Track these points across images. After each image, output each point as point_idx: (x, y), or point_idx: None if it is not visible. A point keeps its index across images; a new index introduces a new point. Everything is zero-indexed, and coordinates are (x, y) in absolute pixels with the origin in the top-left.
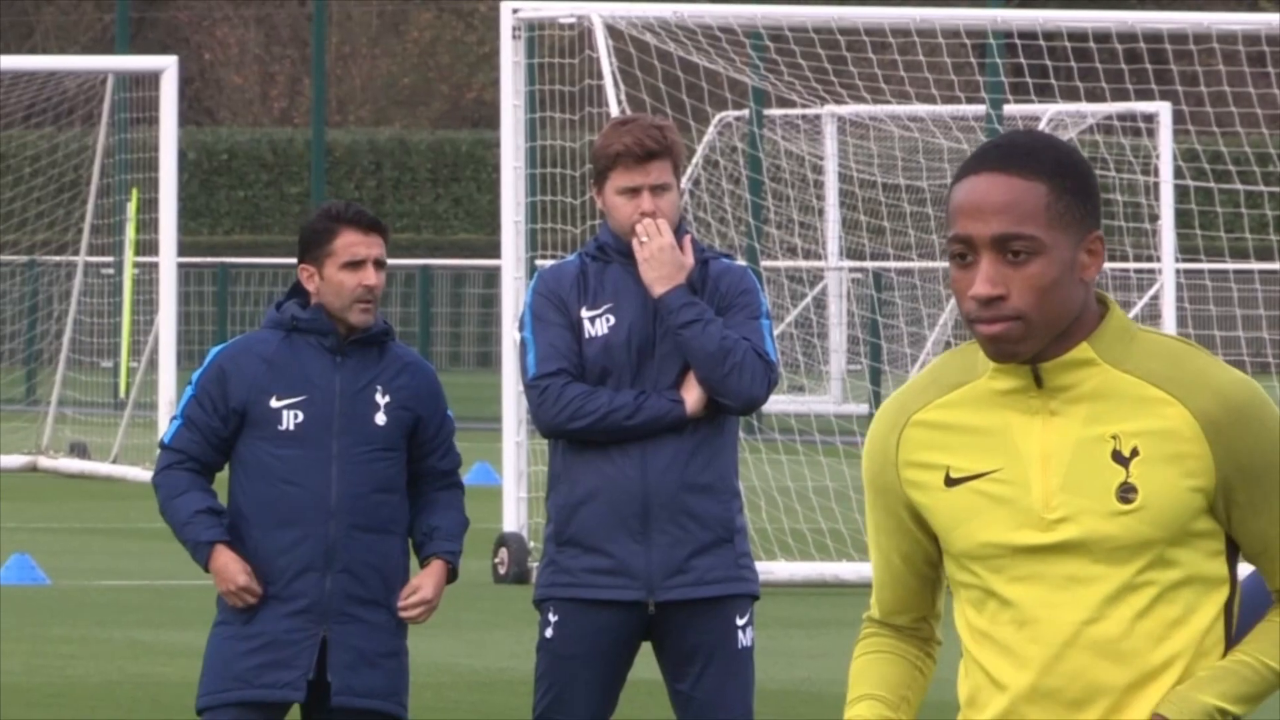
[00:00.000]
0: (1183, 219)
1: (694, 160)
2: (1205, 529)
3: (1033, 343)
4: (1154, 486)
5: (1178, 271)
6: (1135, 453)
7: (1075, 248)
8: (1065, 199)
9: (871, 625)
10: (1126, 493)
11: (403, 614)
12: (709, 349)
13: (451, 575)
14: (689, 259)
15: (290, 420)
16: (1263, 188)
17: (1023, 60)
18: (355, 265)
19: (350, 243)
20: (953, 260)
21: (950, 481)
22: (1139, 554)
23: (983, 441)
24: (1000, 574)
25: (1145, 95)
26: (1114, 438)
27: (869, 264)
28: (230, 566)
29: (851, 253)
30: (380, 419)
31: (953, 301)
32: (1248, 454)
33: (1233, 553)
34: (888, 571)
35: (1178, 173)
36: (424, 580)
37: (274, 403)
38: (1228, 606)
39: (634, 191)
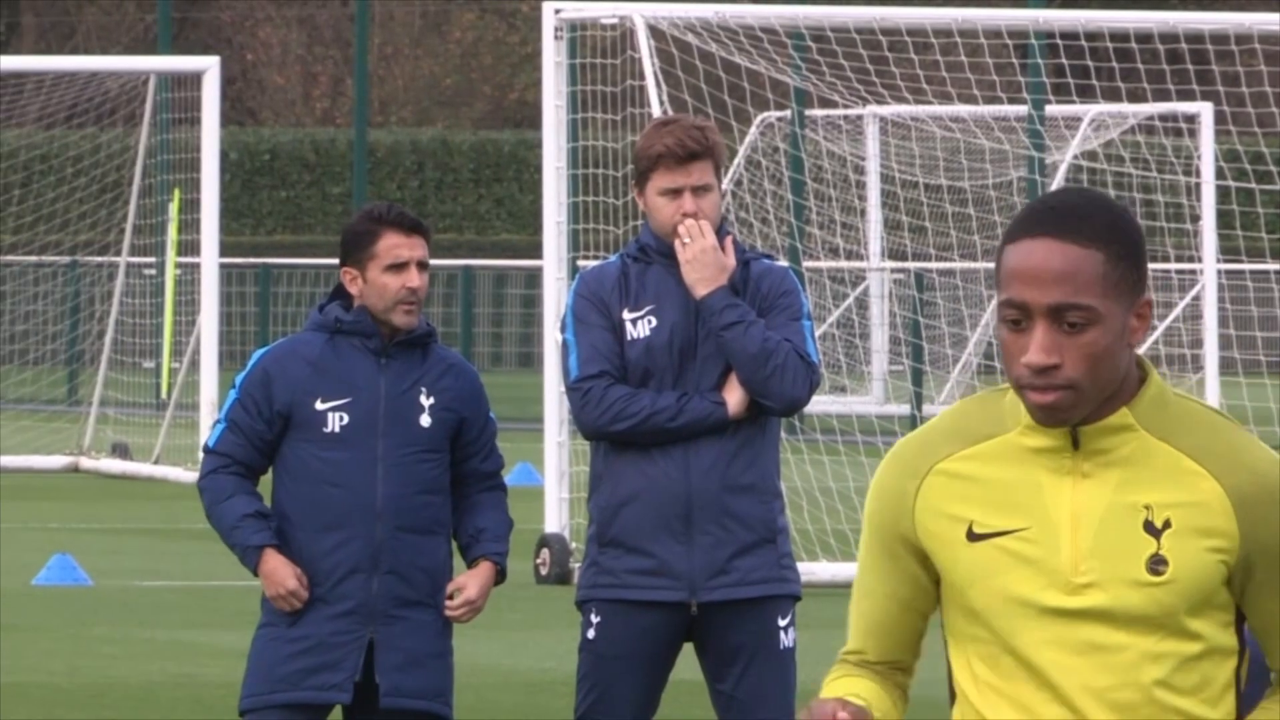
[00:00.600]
0: (1224, 219)
1: (736, 161)
2: (1222, 601)
3: (1082, 409)
4: (1184, 560)
5: (1219, 272)
6: (1168, 524)
7: (1127, 313)
8: (1121, 266)
9: (849, 666)
10: (1157, 565)
11: (448, 614)
12: (751, 351)
13: (500, 576)
14: (731, 260)
15: (335, 422)
16: None
17: (1065, 60)
18: (398, 267)
19: (393, 245)
20: (1004, 323)
21: (973, 536)
22: (1162, 624)
23: (1010, 498)
24: (1020, 635)
25: (1187, 95)
26: (1147, 508)
27: (911, 265)
28: (280, 570)
29: (893, 253)
30: (425, 420)
31: (994, 303)
32: (1273, 534)
33: (1240, 621)
34: (884, 616)
35: (1219, 173)
36: (469, 580)
37: (319, 405)
38: (1236, 673)
39: (675, 192)
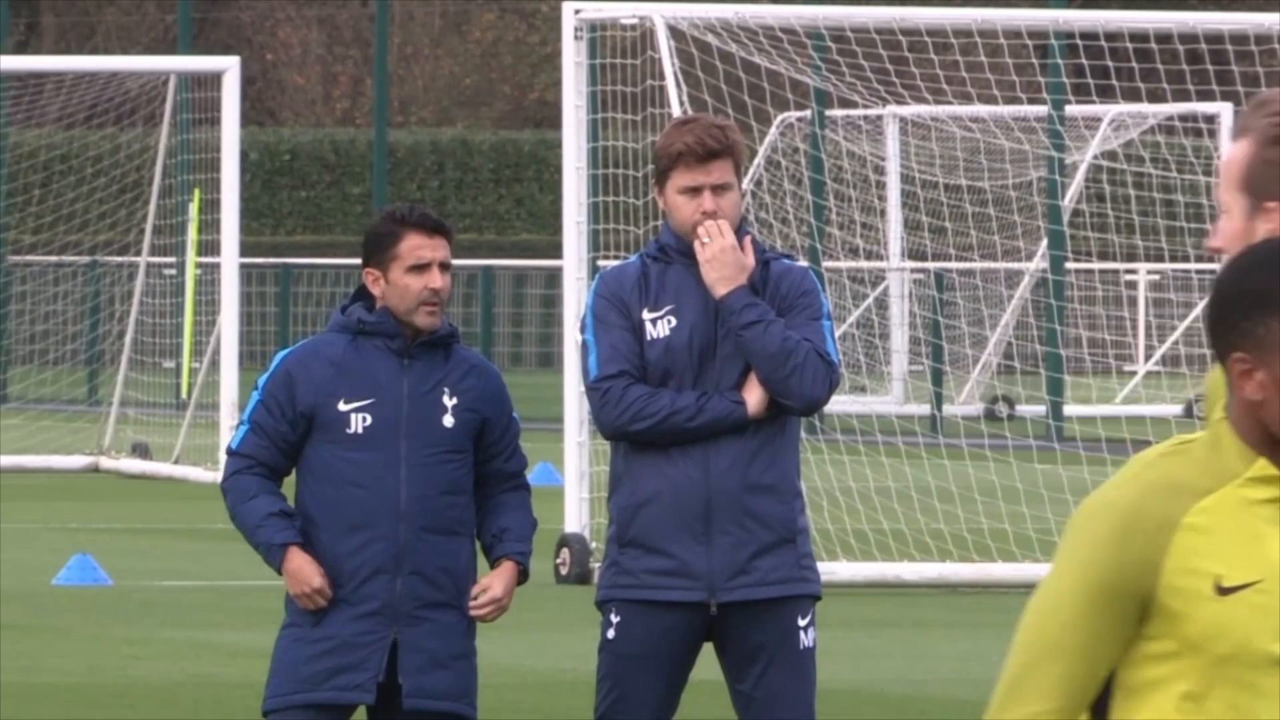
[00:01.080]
0: None
1: (756, 161)
2: None
3: None
4: None
5: None
6: None
7: None
8: None
9: None
10: None
11: (473, 613)
12: (770, 350)
13: (522, 576)
14: (750, 260)
15: (358, 423)
16: None
17: (1084, 61)
18: (420, 268)
19: (415, 246)
20: None
21: (1222, 590)
22: None
23: (1246, 550)
24: (1253, 686)
25: (1207, 96)
26: None
27: (931, 265)
28: (305, 569)
29: (913, 253)
30: (448, 421)
31: (1014, 303)
32: None
33: None
34: (1093, 678)
35: None
36: (494, 580)
37: (342, 406)
38: None
39: (695, 191)
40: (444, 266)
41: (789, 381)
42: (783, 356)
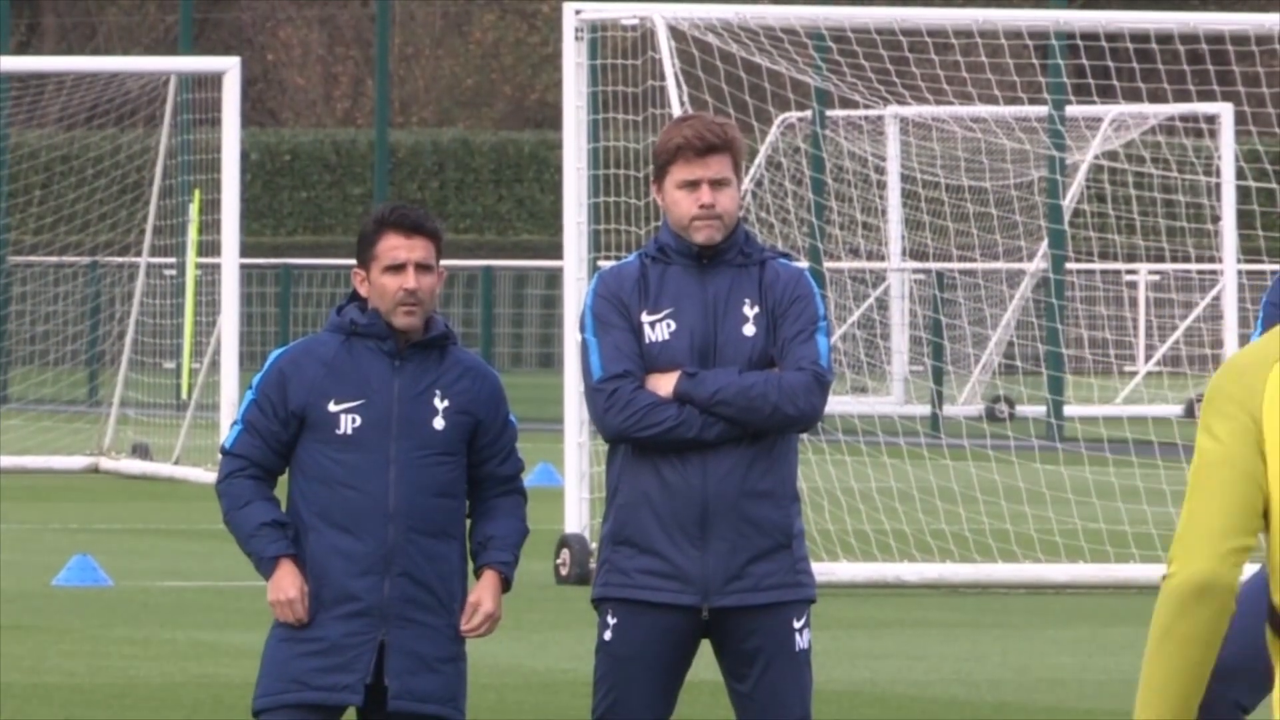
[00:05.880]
0: (1245, 220)
1: (757, 161)
2: None
3: None
4: None
5: (1240, 272)
6: None
7: None
8: None
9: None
10: None
11: (467, 632)
12: (744, 405)
13: (505, 585)
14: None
15: (348, 424)
16: None
17: (1085, 61)
18: (396, 269)
19: (392, 246)
20: None
21: None
22: None
23: None
24: None
25: (1207, 96)
26: None
27: (932, 265)
28: (284, 580)
29: (914, 253)
30: (439, 423)
31: (1015, 300)
32: None
33: None
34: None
35: (1240, 173)
36: (482, 594)
37: (332, 406)
38: None
39: (693, 185)
40: (421, 267)
41: (772, 420)
42: (756, 404)
